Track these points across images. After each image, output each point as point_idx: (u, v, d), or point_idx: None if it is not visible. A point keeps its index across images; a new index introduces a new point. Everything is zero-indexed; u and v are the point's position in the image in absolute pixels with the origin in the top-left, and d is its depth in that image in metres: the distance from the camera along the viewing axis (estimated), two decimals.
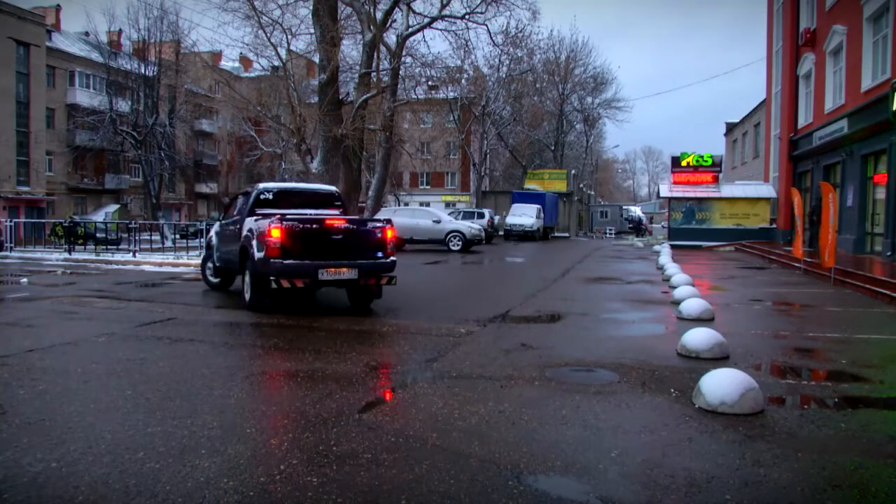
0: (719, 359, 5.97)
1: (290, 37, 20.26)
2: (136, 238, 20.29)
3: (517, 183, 49.86)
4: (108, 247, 21.13)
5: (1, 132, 36.33)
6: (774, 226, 28.39)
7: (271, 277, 8.09)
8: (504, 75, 39.95)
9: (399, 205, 42.56)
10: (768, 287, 13.01)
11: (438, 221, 23.17)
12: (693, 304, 8.53)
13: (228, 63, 51.24)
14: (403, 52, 23.55)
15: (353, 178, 21.95)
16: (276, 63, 22.27)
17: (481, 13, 23.54)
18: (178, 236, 27.98)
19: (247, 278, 8.84)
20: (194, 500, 3.02)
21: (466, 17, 23.51)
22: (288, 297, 9.28)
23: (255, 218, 8.98)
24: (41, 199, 39.55)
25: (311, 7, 20.02)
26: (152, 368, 5.54)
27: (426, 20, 23.30)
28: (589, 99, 50.78)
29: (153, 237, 24.18)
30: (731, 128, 43.62)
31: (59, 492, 3.09)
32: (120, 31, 43.69)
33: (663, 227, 45.25)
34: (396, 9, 22.50)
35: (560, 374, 5.50)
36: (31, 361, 5.74)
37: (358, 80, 22.15)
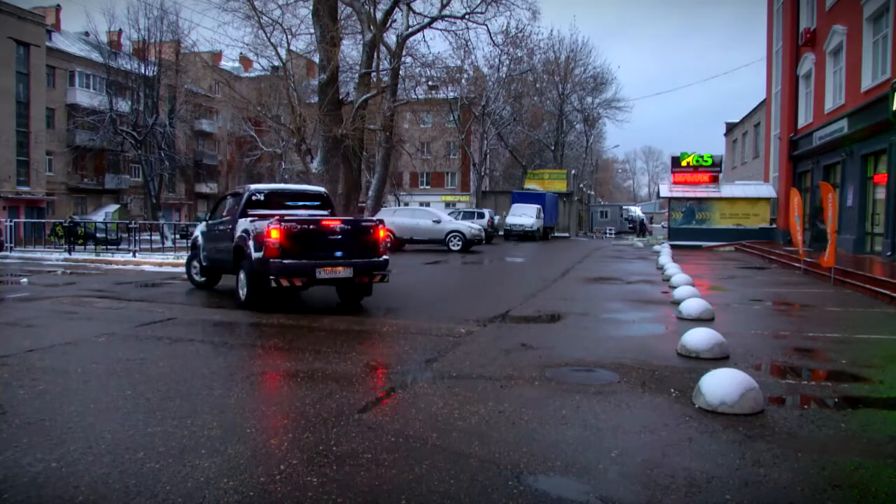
0: (719, 359, 5.97)
1: (290, 37, 20.29)
2: (136, 238, 20.28)
3: (517, 183, 49.86)
4: (108, 247, 21.13)
5: (1, 132, 36.32)
6: (774, 226, 28.39)
7: (271, 276, 8.26)
8: (504, 75, 39.95)
9: (399, 205, 42.54)
10: (768, 287, 13.01)
11: (438, 221, 23.17)
12: (693, 304, 8.53)
13: (228, 63, 51.25)
14: (403, 52, 23.56)
15: (353, 178, 21.96)
16: (276, 63, 22.28)
17: (481, 13, 23.56)
18: (178, 236, 27.96)
19: (242, 277, 9.01)
20: (194, 500, 3.02)
21: (466, 17, 23.52)
22: (278, 295, 9.38)
23: (250, 219, 9.16)
24: (41, 199, 39.55)
25: (311, 7, 20.03)
26: (152, 368, 5.54)
27: (426, 20, 23.31)
28: (589, 99, 50.84)
29: (153, 237, 24.16)
30: (731, 128, 43.62)
31: (59, 492, 3.09)
32: (120, 31, 43.69)
33: (663, 227, 45.26)
34: (396, 9, 22.51)
35: (560, 374, 5.50)
36: (31, 361, 5.74)
37: (358, 80, 22.16)
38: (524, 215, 32.55)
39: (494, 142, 47.06)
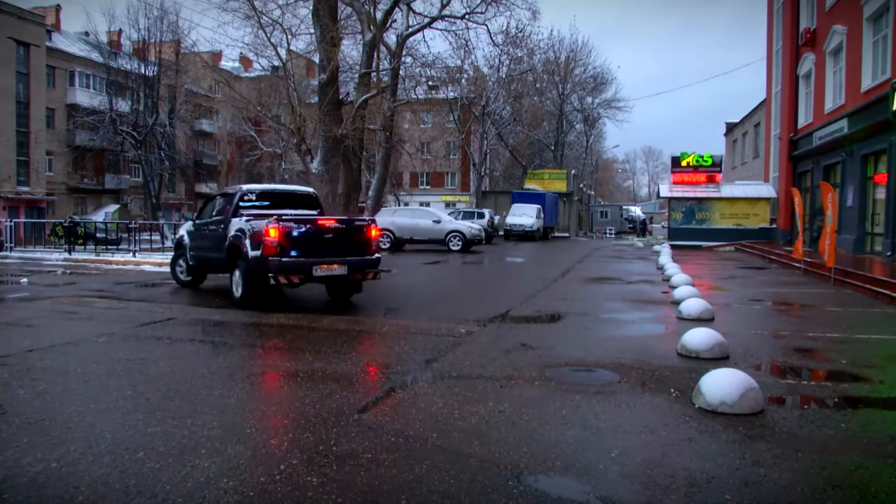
0: (719, 359, 5.97)
1: (290, 37, 20.27)
2: (136, 238, 20.29)
3: (517, 183, 49.85)
4: (108, 247, 21.13)
5: (1, 132, 36.31)
6: (774, 226, 28.39)
7: (270, 274, 8.50)
8: (504, 75, 39.95)
9: (399, 205, 42.53)
10: (768, 287, 13.01)
11: (438, 221, 23.16)
12: (693, 304, 8.53)
13: (228, 63, 51.24)
14: (403, 52, 23.55)
15: (353, 178, 21.95)
16: (276, 63, 22.26)
17: (481, 13, 23.55)
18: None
19: (236, 276, 9.21)
20: (194, 500, 3.02)
21: (466, 17, 23.51)
22: (271, 293, 9.61)
23: (245, 218, 9.36)
24: (41, 199, 39.53)
25: (311, 7, 20.02)
26: (152, 368, 5.54)
27: (426, 20, 23.31)
28: (589, 99, 50.82)
29: (153, 237, 24.14)
30: (731, 128, 43.62)
31: (59, 492, 3.09)
32: (120, 31, 43.71)
33: (663, 227, 45.25)
34: (396, 9, 22.50)
35: (560, 374, 5.50)
36: (31, 361, 5.75)
37: (358, 80, 22.15)
38: (524, 215, 32.54)
39: (494, 142, 47.06)
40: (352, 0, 21.08)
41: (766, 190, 29.52)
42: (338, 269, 8.85)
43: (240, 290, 9.13)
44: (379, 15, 21.84)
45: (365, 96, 21.14)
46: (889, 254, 15.70)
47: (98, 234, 22.96)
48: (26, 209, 37.61)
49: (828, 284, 12.91)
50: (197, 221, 11.21)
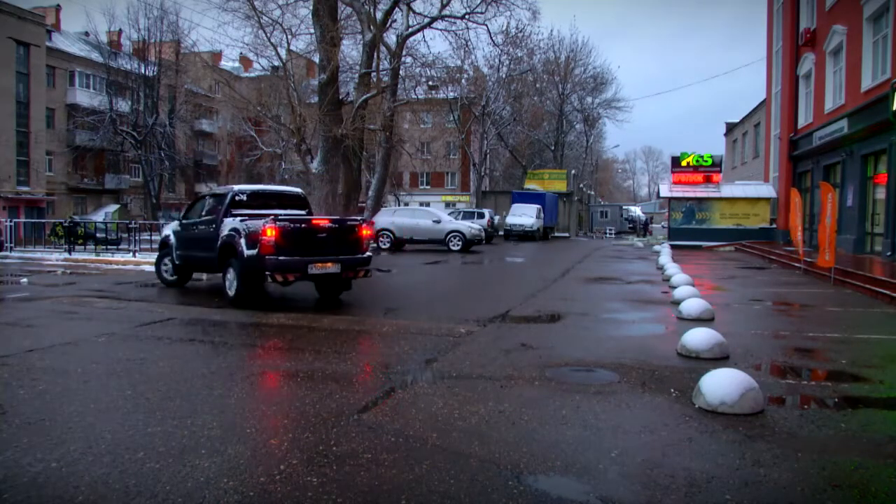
0: (719, 359, 5.97)
1: (290, 37, 20.28)
2: (136, 238, 20.29)
3: (517, 183, 49.84)
4: (108, 247, 21.13)
5: (1, 132, 36.30)
6: (774, 226, 28.39)
7: (267, 272, 8.78)
8: (504, 75, 39.95)
9: (399, 205, 42.53)
10: (768, 287, 13.01)
11: (438, 221, 23.16)
12: (693, 304, 8.53)
13: (228, 63, 51.25)
14: (403, 52, 23.57)
15: (353, 178, 21.97)
16: (276, 63, 22.26)
17: (481, 13, 23.56)
18: None
19: (230, 275, 9.44)
20: (194, 500, 3.02)
21: (466, 17, 23.52)
22: (264, 291, 9.91)
23: (239, 218, 9.57)
24: (41, 199, 39.53)
25: (311, 7, 20.03)
26: (152, 368, 5.54)
27: (426, 20, 23.32)
28: (589, 99, 50.79)
29: (153, 237, 24.11)
30: (731, 128, 43.62)
31: (59, 492, 3.09)
32: (120, 31, 43.72)
33: (663, 227, 45.23)
34: (396, 9, 22.51)
35: (560, 374, 5.50)
36: (31, 361, 5.75)
37: (358, 80, 22.16)
38: (524, 215, 32.54)
39: (494, 142, 47.05)
40: (352, 0, 21.09)
41: (766, 190, 29.52)
42: (331, 268, 9.14)
43: (234, 289, 9.35)
44: (379, 15, 21.85)
45: (365, 96, 21.14)
46: (889, 254, 15.70)
47: (98, 234, 22.95)
48: (26, 209, 37.61)
49: (828, 284, 12.91)
50: (184, 221, 11.35)
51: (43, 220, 29.43)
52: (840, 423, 4.32)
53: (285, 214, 9.70)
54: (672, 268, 13.80)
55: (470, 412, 4.37)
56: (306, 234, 9.12)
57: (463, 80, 35.01)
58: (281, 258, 8.77)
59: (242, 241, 9.10)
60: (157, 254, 12.46)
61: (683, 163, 31.39)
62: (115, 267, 16.42)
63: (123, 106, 41.98)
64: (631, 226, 54.82)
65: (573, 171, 50.38)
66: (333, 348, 6.46)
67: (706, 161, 31.03)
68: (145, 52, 41.07)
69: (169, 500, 3.01)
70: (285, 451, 3.65)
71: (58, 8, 45.29)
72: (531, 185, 43.01)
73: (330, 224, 9.53)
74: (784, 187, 25.93)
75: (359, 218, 10.34)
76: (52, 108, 41.52)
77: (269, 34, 19.84)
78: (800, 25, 24.30)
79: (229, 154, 57.22)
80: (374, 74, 22.73)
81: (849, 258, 16.18)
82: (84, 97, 42.84)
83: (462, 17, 23.54)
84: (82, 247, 20.97)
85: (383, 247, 22.64)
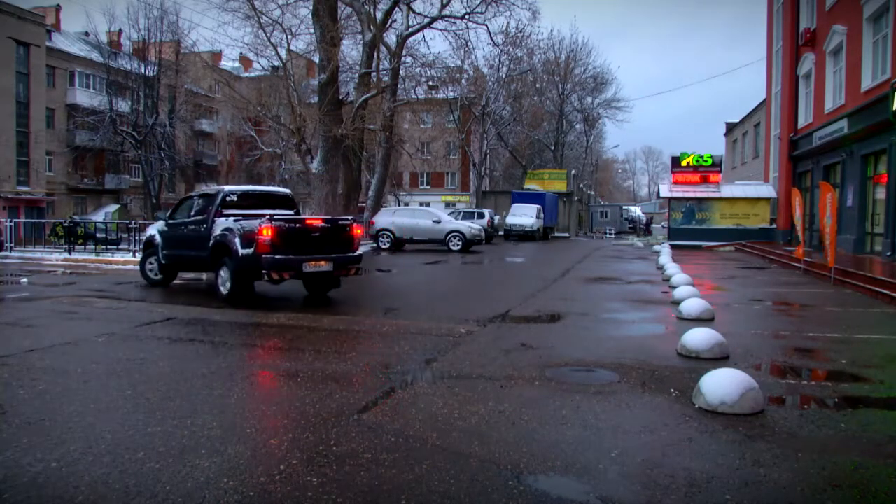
0: (719, 359, 5.97)
1: (290, 37, 20.32)
2: (136, 238, 20.24)
3: (517, 183, 49.83)
4: (108, 247, 21.10)
5: (1, 132, 36.29)
6: (774, 226, 28.39)
7: (263, 271, 8.99)
8: (504, 75, 39.97)
9: (399, 205, 42.53)
10: (768, 287, 13.01)
11: (438, 221, 23.15)
12: (693, 304, 8.53)
13: (228, 63, 51.23)
14: (403, 52, 23.59)
15: (353, 178, 21.99)
16: (276, 63, 22.29)
17: (481, 13, 23.59)
18: None
19: (223, 274, 9.63)
20: (194, 500, 3.02)
21: (466, 17, 23.54)
22: (254, 290, 10.00)
23: (232, 218, 9.73)
24: (41, 199, 39.52)
25: (311, 7, 20.06)
26: (152, 368, 5.54)
27: (426, 20, 23.33)
28: (589, 99, 50.81)
29: None
30: (731, 128, 43.62)
31: (59, 492, 3.09)
32: (120, 31, 43.70)
33: (663, 227, 45.23)
34: (396, 9, 22.53)
35: (560, 374, 5.50)
36: (31, 361, 5.75)
37: (358, 80, 22.18)
38: (524, 215, 32.53)
39: (494, 142, 47.05)
40: (352, 0, 21.10)
41: (766, 190, 29.52)
42: (324, 266, 9.38)
43: (227, 287, 9.52)
44: (379, 15, 21.87)
45: (365, 96, 21.16)
46: (889, 254, 15.69)
47: (98, 234, 22.94)
48: (26, 209, 37.60)
49: (828, 284, 12.91)
50: (171, 221, 11.39)
51: (43, 220, 29.44)
52: (840, 423, 4.32)
53: (277, 215, 9.90)
54: (672, 268, 13.80)
55: (470, 412, 4.37)
56: (300, 233, 9.35)
57: (463, 80, 35.04)
58: (277, 257, 8.97)
59: (237, 240, 9.25)
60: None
61: (683, 163, 31.39)
62: (115, 267, 16.42)
63: (123, 106, 41.97)
64: (631, 226, 54.82)
65: (573, 171, 50.37)
66: (333, 348, 6.46)
67: (706, 161, 31.03)
68: (145, 52, 41.06)
69: (169, 500, 3.01)
70: (285, 451, 3.65)
71: (58, 8, 45.29)
72: (531, 185, 43.01)
73: (323, 224, 9.77)
74: (784, 187, 25.93)
75: (350, 217, 10.71)
76: (52, 108, 41.51)
77: (269, 34, 19.87)
78: (800, 25, 24.31)
79: (229, 154, 57.21)
80: (374, 74, 22.74)
81: (849, 258, 16.18)
82: (84, 97, 42.83)
83: (462, 17, 23.56)
84: (82, 247, 20.98)
85: (383, 247, 22.63)
